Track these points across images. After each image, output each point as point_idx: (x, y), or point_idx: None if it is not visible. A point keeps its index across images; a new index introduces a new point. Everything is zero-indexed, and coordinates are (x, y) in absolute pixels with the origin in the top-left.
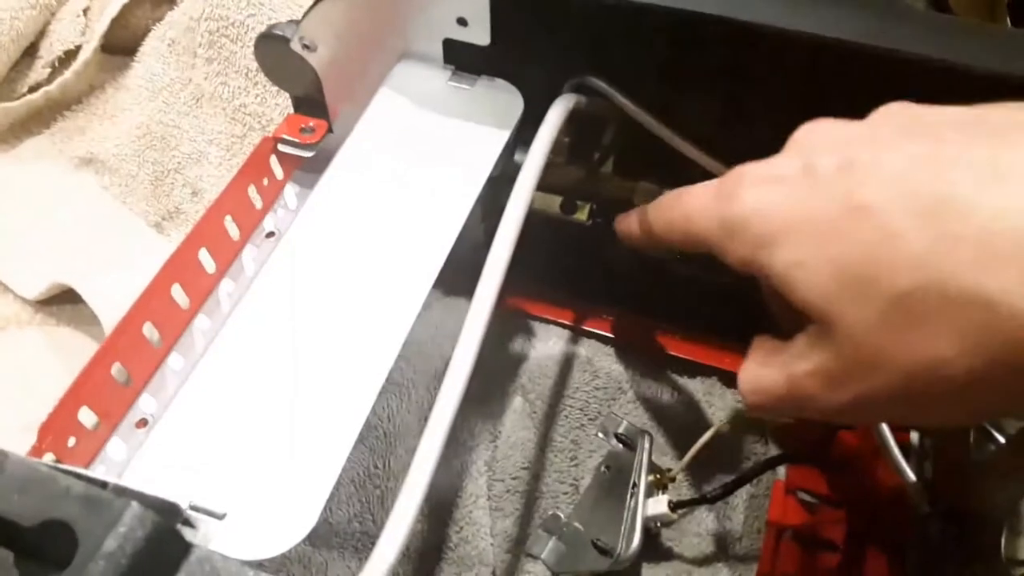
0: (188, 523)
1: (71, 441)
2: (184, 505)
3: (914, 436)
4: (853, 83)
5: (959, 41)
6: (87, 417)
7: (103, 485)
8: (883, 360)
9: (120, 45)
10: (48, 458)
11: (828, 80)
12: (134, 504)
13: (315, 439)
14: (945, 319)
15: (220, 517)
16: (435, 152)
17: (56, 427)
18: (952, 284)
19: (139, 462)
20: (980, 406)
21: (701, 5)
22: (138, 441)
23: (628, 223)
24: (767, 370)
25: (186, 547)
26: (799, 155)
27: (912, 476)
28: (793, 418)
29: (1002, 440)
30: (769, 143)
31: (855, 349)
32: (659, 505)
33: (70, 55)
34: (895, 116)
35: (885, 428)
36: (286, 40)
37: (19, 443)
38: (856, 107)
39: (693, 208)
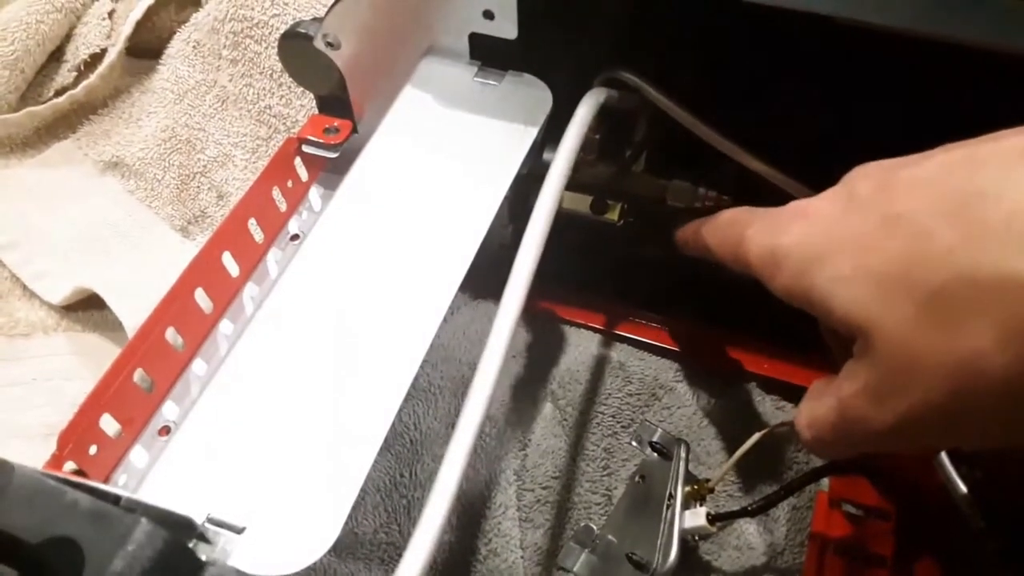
0: (204, 538)
1: (92, 449)
2: (199, 520)
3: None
4: (889, 71)
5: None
6: (109, 424)
7: (116, 500)
8: (923, 364)
9: (145, 48)
10: (68, 467)
11: (867, 70)
12: (144, 521)
13: (339, 447)
14: (980, 310)
15: (239, 531)
16: (461, 151)
17: (76, 435)
18: (984, 272)
19: (160, 470)
20: (1020, 415)
21: None
22: (160, 448)
23: (685, 233)
24: (820, 402)
25: (199, 565)
26: (844, 187)
27: (964, 488)
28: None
29: None
30: (803, 140)
31: (895, 356)
32: (697, 517)
33: (95, 58)
34: (944, 146)
35: None
36: (309, 38)
37: (43, 451)
38: (893, 101)
39: (747, 235)
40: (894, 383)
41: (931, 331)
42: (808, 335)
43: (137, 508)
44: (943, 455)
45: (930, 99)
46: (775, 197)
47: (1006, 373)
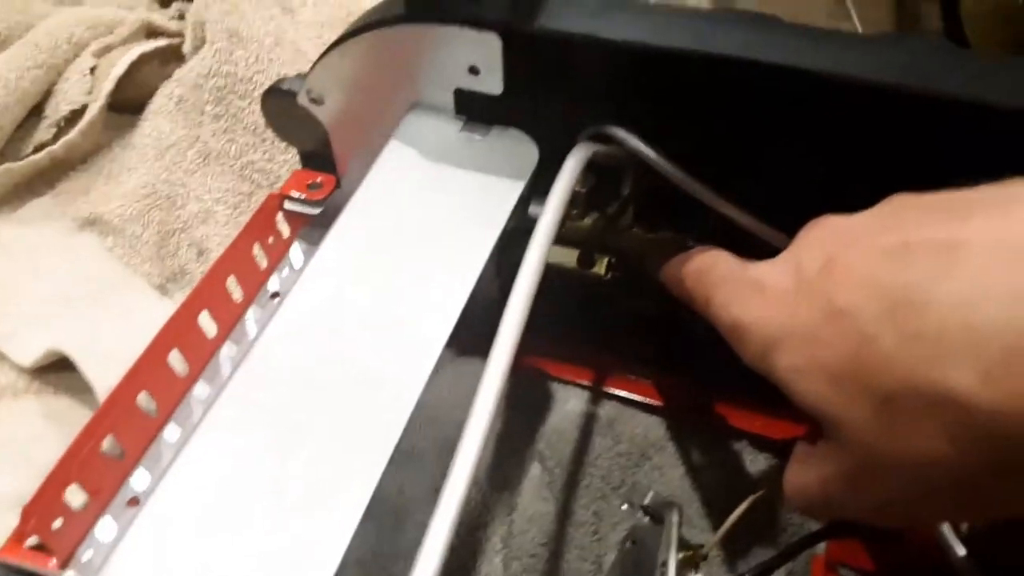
0: None
1: (57, 523)
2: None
3: None
4: (875, 125)
5: (986, 77)
6: (75, 496)
7: None
8: (890, 460)
9: (127, 103)
10: (31, 541)
11: (852, 123)
12: None
13: (318, 516)
14: (929, 417)
15: None
16: (446, 206)
17: (40, 508)
18: (923, 383)
19: (128, 544)
20: (996, 503)
21: (722, 47)
22: (129, 519)
23: (667, 273)
24: (805, 474)
25: None
26: (793, 256)
27: (962, 550)
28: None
29: None
30: (789, 192)
31: (863, 450)
32: None
33: (76, 114)
34: (893, 204)
35: None
36: (293, 94)
37: (12, 520)
38: (879, 154)
39: (713, 301)
40: (865, 473)
41: (891, 432)
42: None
43: None
44: None
45: (905, 151)
46: (761, 250)
47: (968, 473)
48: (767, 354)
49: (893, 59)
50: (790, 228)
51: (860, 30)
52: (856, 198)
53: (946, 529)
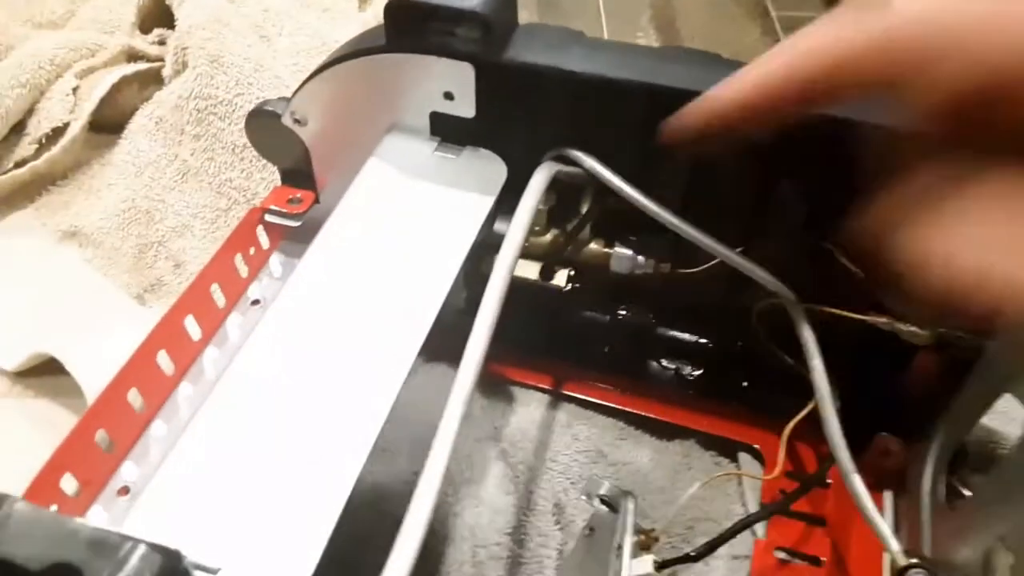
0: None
1: (52, 509)
2: (184, 554)
3: (887, 497)
4: (813, 149)
5: None
6: (68, 484)
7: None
8: None
9: (108, 123)
10: None
11: (790, 147)
12: (142, 546)
13: (300, 509)
14: None
15: (214, 572)
16: (421, 220)
17: (38, 494)
18: None
19: (119, 529)
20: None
21: (668, 80)
22: (120, 509)
23: (709, 104)
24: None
25: None
26: None
27: (887, 529)
28: None
29: (968, 494)
30: (738, 207)
31: None
32: (644, 566)
33: (57, 132)
34: None
35: (859, 484)
36: (277, 115)
37: None
38: (815, 171)
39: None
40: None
41: None
42: (744, 393)
43: (132, 539)
44: (866, 498)
45: (835, 174)
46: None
47: None
48: None
49: None
50: (736, 242)
51: None
52: (795, 213)
53: (873, 510)
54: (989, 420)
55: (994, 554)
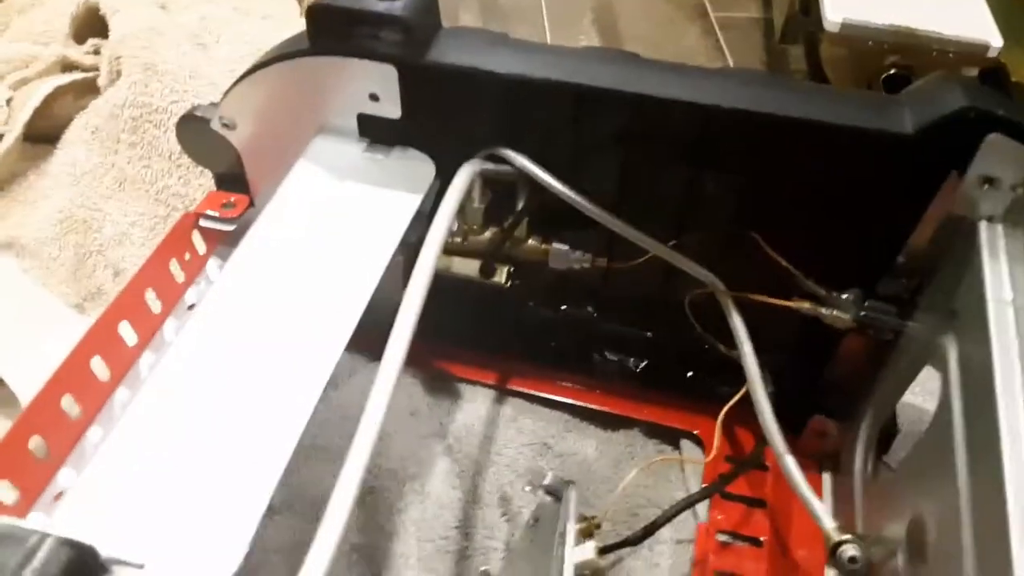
0: (105, 570)
1: None
2: (101, 551)
3: (826, 478)
4: (737, 144)
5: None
6: (4, 492)
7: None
8: None
9: (43, 134)
10: None
11: (713, 142)
12: (50, 539)
13: (228, 507)
14: None
15: (139, 567)
16: (349, 219)
17: None
18: None
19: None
20: None
21: (595, 80)
22: (56, 513)
23: None
24: None
25: None
26: None
27: (819, 507)
28: None
29: (893, 468)
30: (664, 202)
31: None
32: (586, 551)
33: None
34: None
35: (792, 464)
36: (206, 120)
37: None
38: (738, 165)
39: None
40: None
41: None
42: (685, 382)
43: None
44: (802, 481)
45: (758, 168)
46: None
47: None
48: None
49: (728, 88)
50: (668, 236)
51: None
52: (720, 208)
53: (808, 491)
54: (922, 401)
55: (915, 526)
